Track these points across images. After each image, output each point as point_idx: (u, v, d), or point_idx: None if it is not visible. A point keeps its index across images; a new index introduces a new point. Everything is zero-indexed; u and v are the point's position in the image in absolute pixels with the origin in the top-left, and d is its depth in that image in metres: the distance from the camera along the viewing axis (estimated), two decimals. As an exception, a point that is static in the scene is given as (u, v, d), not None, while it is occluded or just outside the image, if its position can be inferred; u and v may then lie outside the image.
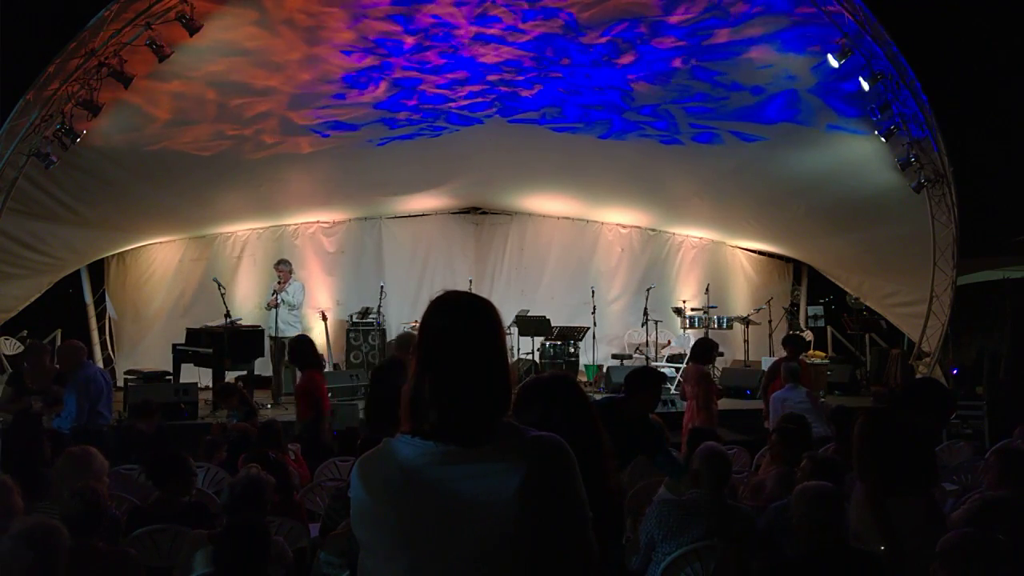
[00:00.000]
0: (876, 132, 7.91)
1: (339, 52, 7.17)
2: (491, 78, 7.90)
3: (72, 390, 5.91)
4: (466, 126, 8.93)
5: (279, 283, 9.55)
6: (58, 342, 10.29)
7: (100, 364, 10.83)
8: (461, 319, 1.58)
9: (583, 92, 8.24)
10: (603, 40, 7.14)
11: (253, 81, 7.39)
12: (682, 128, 8.68)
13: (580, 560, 1.57)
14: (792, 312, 12.44)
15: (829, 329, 12.64)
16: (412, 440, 1.53)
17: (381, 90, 7.88)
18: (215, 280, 9.42)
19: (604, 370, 10.99)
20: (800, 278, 13.29)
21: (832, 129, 8.45)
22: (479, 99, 8.28)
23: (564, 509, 1.53)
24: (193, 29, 6.36)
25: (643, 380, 4.52)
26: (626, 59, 7.43)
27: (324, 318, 10.60)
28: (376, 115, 8.36)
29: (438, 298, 1.63)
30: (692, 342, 11.52)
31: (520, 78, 7.94)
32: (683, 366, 10.93)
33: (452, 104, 8.35)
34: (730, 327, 11.14)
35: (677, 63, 7.49)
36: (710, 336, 10.66)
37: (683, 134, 8.80)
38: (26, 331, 10.33)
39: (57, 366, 6.60)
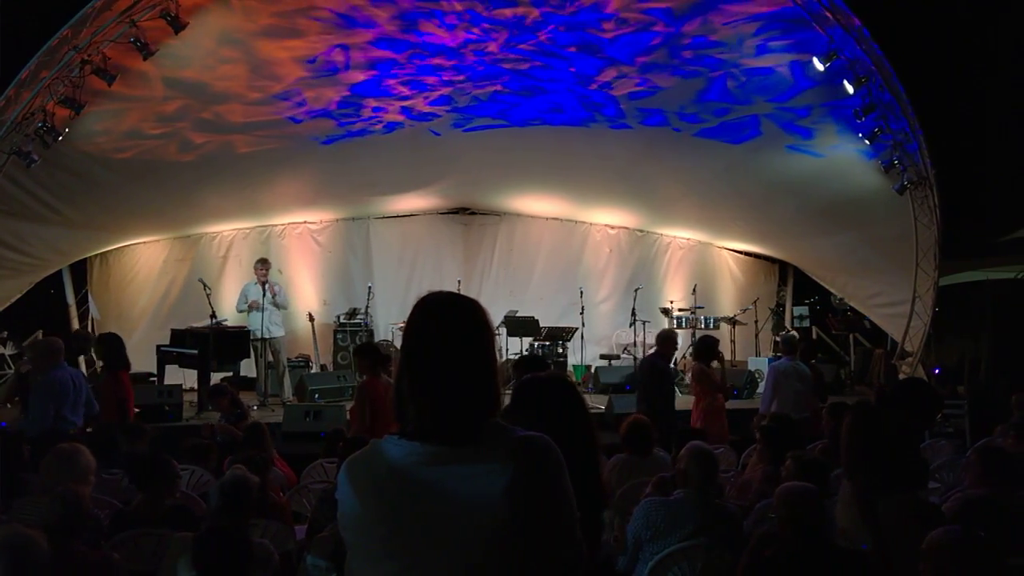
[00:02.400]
0: (860, 135, 8.00)
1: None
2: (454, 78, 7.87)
3: (36, 391, 5.68)
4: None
5: (264, 283, 9.45)
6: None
7: (83, 366, 10.74)
8: (445, 319, 1.58)
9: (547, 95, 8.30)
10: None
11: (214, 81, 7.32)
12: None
13: (568, 560, 1.56)
14: (778, 312, 12.52)
15: (814, 329, 12.73)
16: (399, 441, 1.53)
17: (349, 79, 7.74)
18: (200, 281, 9.35)
19: (592, 371, 11.01)
20: (786, 279, 13.39)
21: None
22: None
23: (552, 509, 1.53)
24: (178, 27, 6.32)
25: (529, 367, 4.47)
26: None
27: (311, 319, 10.55)
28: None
29: (423, 299, 1.63)
30: (680, 342, 11.63)
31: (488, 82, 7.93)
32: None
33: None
34: (717, 327, 11.19)
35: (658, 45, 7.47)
36: (699, 336, 10.71)
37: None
38: (6, 332, 10.20)
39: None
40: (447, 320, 1.57)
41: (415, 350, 1.57)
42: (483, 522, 1.46)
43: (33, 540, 2.67)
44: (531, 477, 1.50)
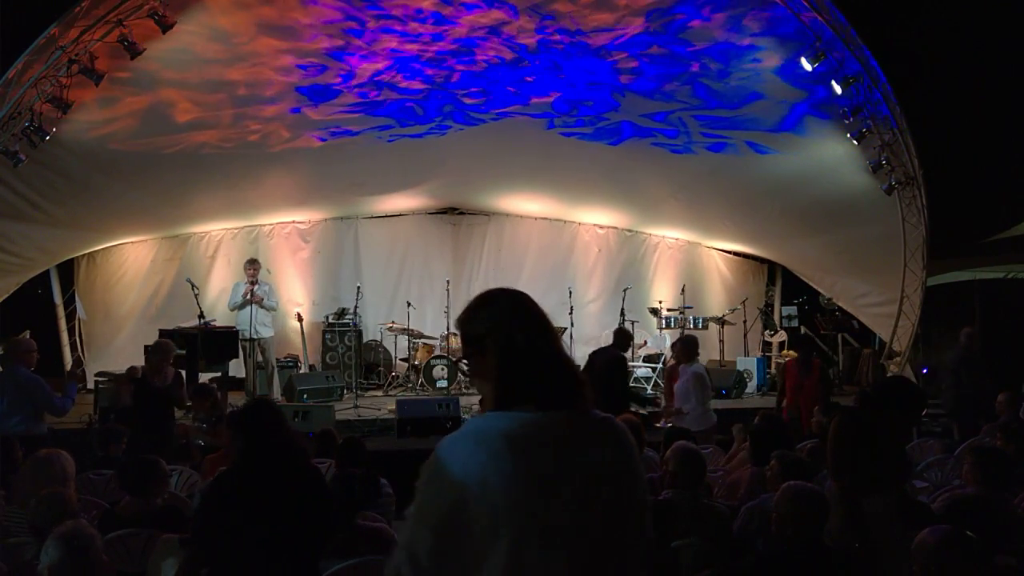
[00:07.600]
0: (848, 135, 8.04)
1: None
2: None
3: None
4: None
5: (251, 283, 9.42)
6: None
7: (68, 365, 10.64)
8: (532, 305, 1.70)
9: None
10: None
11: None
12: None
13: (647, 537, 1.59)
14: (766, 312, 12.57)
15: (803, 329, 12.79)
16: (513, 413, 1.51)
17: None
18: (188, 280, 9.29)
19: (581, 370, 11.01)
20: (774, 279, 13.44)
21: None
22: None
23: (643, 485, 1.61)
24: (166, 26, 6.28)
25: None
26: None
27: (300, 319, 10.51)
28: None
29: (499, 292, 1.76)
30: (668, 342, 11.66)
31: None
32: (659, 366, 11.06)
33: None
34: (705, 327, 11.23)
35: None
36: (687, 335, 10.74)
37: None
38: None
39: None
40: (534, 306, 1.70)
41: (532, 333, 1.63)
42: (617, 489, 1.50)
43: (94, 538, 2.67)
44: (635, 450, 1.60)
